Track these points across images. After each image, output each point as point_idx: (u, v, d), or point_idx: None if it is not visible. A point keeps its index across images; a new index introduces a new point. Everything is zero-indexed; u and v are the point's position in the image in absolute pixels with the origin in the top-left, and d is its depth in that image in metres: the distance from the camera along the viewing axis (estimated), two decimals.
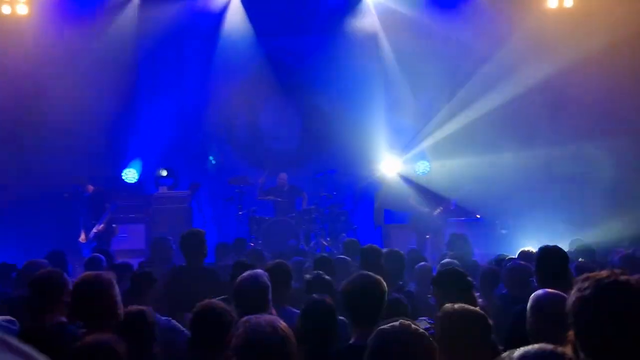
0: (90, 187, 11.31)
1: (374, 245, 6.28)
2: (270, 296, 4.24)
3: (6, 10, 11.65)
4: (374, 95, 13.88)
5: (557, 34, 12.13)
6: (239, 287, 4.18)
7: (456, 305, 3.33)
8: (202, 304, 3.61)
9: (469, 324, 3.20)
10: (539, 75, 12.34)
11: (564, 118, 12.41)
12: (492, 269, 6.20)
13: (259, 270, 4.40)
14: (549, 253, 4.61)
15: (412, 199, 11.67)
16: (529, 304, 3.40)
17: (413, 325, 2.79)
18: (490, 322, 3.29)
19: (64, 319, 3.87)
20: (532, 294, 3.45)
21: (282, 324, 3.00)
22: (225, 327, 3.35)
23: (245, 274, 4.29)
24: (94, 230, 11.17)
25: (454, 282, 4.20)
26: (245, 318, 3.01)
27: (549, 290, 3.46)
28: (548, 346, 2.03)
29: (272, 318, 3.02)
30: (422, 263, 6.82)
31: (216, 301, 3.71)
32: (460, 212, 12.22)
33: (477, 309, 3.43)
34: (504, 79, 12.60)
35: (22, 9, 11.59)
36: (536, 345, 2.04)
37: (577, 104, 12.44)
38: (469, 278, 4.34)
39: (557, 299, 3.28)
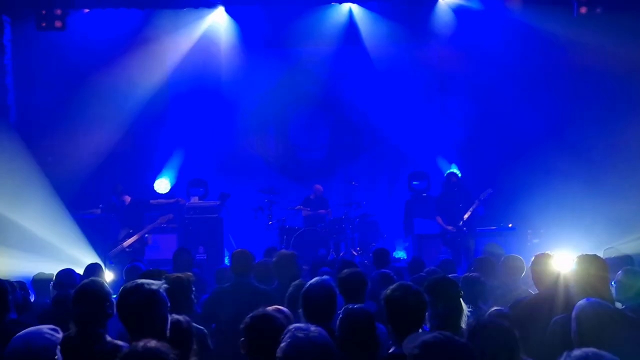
0: (128, 198, 11.45)
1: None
2: (336, 304, 4.29)
3: (42, 24, 11.87)
4: (403, 104, 13.89)
5: (588, 39, 12.06)
6: (307, 294, 4.25)
7: (482, 319, 3.35)
8: (257, 312, 3.66)
9: (495, 338, 3.21)
10: (571, 80, 12.28)
11: (598, 122, 12.30)
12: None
13: (327, 277, 4.46)
14: (587, 261, 4.57)
15: (438, 217, 11.63)
16: (573, 313, 3.40)
17: (456, 337, 2.80)
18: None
19: (102, 329, 3.94)
20: (576, 304, 3.44)
21: (324, 335, 3.02)
22: (277, 334, 3.39)
23: (313, 280, 4.35)
24: (131, 239, 11.30)
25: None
26: (292, 326, 3.05)
27: (593, 299, 3.45)
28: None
29: (316, 329, 3.04)
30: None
31: (269, 309, 3.76)
32: (491, 221, 12.16)
33: (504, 323, 3.45)
34: (536, 85, 12.57)
35: (58, 23, 11.78)
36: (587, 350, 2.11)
37: (609, 108, 12.33)
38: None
39: (602, 307, 3.29)
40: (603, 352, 2.13)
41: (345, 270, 5.08)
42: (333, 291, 4.30)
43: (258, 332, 3.56)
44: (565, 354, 2.18)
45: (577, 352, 2.15)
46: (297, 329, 3.04)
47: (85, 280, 4.27)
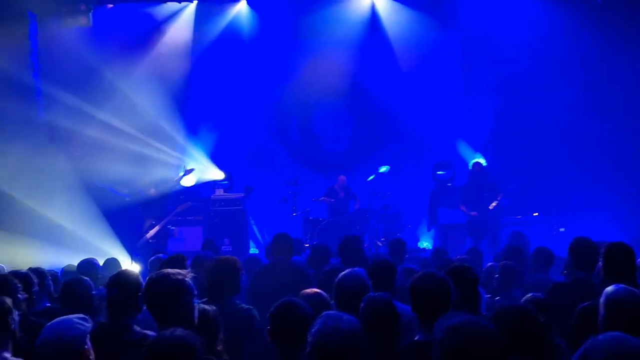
0: (153, 190, 11.55)
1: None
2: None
3: (67, 20, 12.00)
4: (426, 94, 13.83)
5: (613, 27, 11.90)
6: (340, 285, 4.28)
7: (508, 304, 3.35)
8: (282, 300, 3.70)
9: (519, 322, 3.25)
10: (597, 67, 12.14)
11: (624, 109, 12.15)
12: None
13: (360, 269, 4.50)
14: (615, 249, 4.57)
15: (462, 206, 11.61)
16: (601, 299, 3.38)
17: (483, 321, 2.79)
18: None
19: (131, 320, 4.01)
20: (605, 290, 3.42)
21: (354, 325, 3.02)
22: (304, 322, 3.41)
23: (346, 271, 4.39)
24: (152, 231, 11.37)
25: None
26: (325, 313, 3.06)
27: (622, 285, 3.43)
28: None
29: (348, 319, 3.04)
30: (490, 263, 6.86)
31: (296, 298, 3.80)
32: (516, 210, 12.09)
33: (530, 305, 3.47)
34: (561, 73, 12.44)
35: (82, 19, 11.92)
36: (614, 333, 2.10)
37: (636, 95, 12.17)
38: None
39: (631, 294, 3.27)
40: (628, 336, 2.11)
41: (375, 260, 5.14)
42: (365, 282, 4.34)
43: (284, 321, 3.60)
44: (590, 338, 2.17)
45: (602, 337, 2.14)
46: (329, 316, 3.05)
47: (123, 269, 4.36)
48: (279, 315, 3.65)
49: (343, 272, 4.39)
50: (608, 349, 2.13)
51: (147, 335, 3.78)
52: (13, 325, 3.74)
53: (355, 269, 4.46)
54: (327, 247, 7.35)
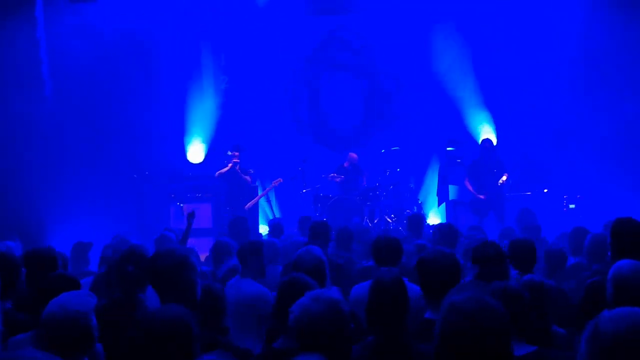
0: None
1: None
2: (327, 270, 4.33)
3: None
4: (433, 71, 13.73)
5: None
6: (296, 262, 4.29)
7: (501, 285, 3.27)
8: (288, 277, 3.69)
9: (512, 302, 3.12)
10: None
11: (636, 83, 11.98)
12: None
13: (314, 246, 4.50)
14: (624, 225, 4.51)
15: (467, 181, 11.57)
16: (610, 275, 3.33)
17: (486, 298, 2.72)
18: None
19: (143, 295, 4.03)
20: (613, 266, 3.38)
21: (338, 300, 2.97)
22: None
23: (302, 249, 4.40)
24: (251, 202, 11.57)
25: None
26: (310, 293, 3.01)
27: (631, 260, 3.38)
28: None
29: (324, 298, 2.98)
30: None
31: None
32: (525, 186, 12.03)
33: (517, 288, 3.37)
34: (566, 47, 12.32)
35: None
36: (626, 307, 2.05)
37: None
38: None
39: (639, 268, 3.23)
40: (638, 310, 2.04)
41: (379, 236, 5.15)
42: (321, 259, 4.32)
43: (290, 298, 3.56)
44: (598, 316, 2.10)
45: (614, 310, 2.06)
46: (307, 296, 2.99)
47: (130, 246, 4.40)
48: (284, 293, 3.62)
49: (299, 251, 4.40)
50: (620, 321, 2.05)
51: None
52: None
53: (310, 246, 4.45)
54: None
